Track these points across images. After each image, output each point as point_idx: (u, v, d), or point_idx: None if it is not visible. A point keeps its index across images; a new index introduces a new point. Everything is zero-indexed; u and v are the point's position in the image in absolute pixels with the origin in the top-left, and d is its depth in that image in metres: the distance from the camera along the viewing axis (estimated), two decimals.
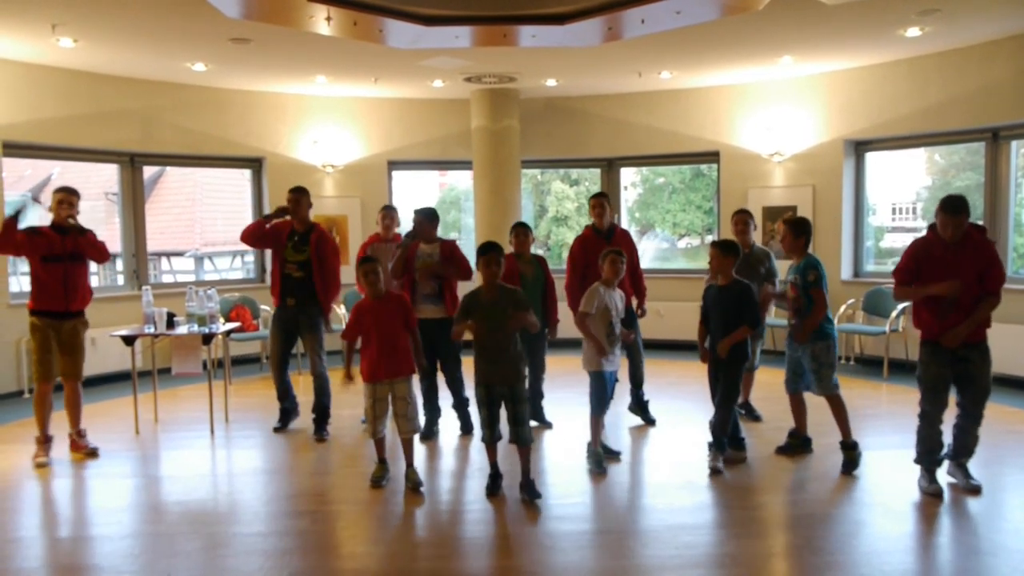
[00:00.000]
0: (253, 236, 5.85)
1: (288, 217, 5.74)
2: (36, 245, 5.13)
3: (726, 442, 4.94)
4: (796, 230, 4.91)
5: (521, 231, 5.72)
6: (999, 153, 7.52)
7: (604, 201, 5.83)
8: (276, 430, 5.93)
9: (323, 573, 3.63)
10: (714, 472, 4.78)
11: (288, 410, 6.01)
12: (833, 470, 4.81)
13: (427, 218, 5.60)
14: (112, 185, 8.64)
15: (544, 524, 4.10)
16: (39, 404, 5.33)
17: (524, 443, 4.42)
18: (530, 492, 4.40)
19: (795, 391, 5.06)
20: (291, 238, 5.73)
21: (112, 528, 4.20)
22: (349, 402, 6.62)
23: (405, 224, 6.08)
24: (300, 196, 5.77)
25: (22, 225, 5.11)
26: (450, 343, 5.44)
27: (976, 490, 4.41)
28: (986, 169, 7.65)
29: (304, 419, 6.02)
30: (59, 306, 5.20)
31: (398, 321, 4.61)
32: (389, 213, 6.24)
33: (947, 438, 4.46)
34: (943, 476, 4.53)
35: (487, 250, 4.41)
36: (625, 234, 6.03)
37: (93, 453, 5.39)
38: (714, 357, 4.89)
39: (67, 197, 5.22)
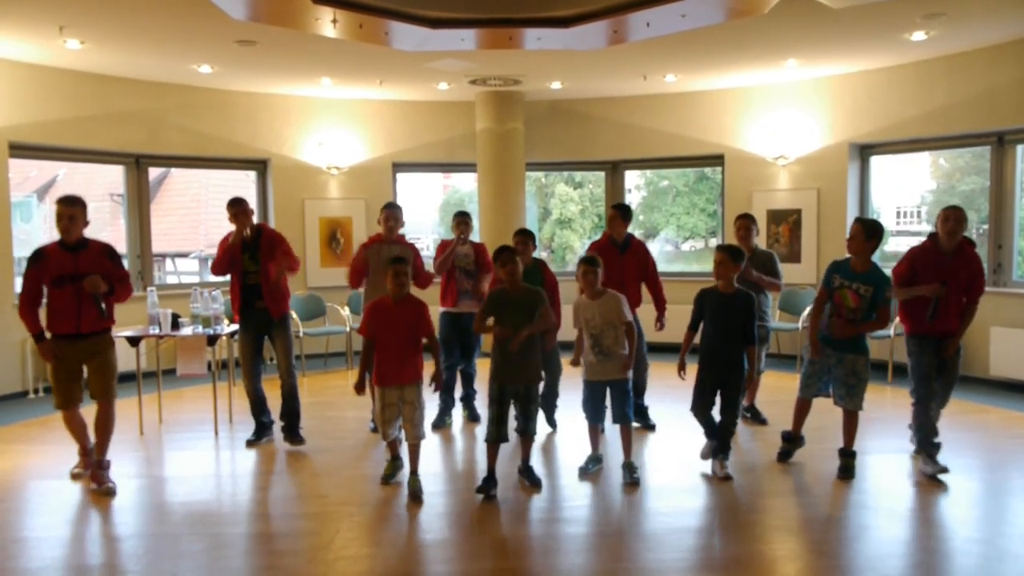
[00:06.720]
0: (225, 266, 5.51)
1: (244, 233, 5.45)
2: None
3: (732, 447, 4.93)
4: (868, 230, 4.61)
5: (520, 239, 5.54)
6: (1004, 157, 7.51)
7: (618, 214, 5.81)
8: (250, 444, 5.63)
9: (327, 575, 3.63)
10: (725, 479, 4.73)
11: (266, 424, 5.73)
12: (836, 474, 4.79)
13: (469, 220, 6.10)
14: (117, 186, 8.66)
15: (548, 526, 4.10)
16: (69, 425, 4.84)
17: (529, 434, 4.63)
18: (529, 477, 4.67)
19: (814, 396, 4.92)
20: (245, 250, 5.46)
21: (116, 528, 4.23)
22: (354, 404, 6.63)
23: (407, 224, 6.15)
24: (246, 207, 5.48)
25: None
26: (476, 336, 5.99)
27: (943, 470, 4.71)
28: (991, 173, 7.65)
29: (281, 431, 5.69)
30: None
31: (412, 327, 4.52)
32: (393, 213, 5.79)
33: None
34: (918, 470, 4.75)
35: (498, 254, 4.63)
36: (641, 245, 5.96)
37: (110, 492, 4.64)
38: (712, 367, 4.80)
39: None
